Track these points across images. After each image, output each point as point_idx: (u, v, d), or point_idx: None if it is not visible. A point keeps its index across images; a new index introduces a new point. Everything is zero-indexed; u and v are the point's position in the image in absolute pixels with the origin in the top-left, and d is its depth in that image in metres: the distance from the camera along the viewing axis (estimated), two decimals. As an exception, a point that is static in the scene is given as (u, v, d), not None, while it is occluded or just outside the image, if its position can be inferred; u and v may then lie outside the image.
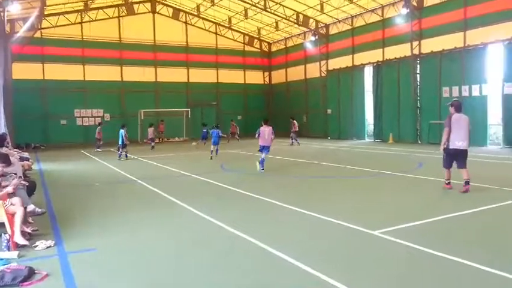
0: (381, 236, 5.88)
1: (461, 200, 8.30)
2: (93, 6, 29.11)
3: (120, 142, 17.93)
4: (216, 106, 35.57)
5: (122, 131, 17.94)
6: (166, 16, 33.14)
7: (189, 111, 32.71)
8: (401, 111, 24.78)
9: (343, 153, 19.33)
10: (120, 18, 31.38)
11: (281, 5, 28.25)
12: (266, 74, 38.37)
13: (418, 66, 23.86)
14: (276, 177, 12.35)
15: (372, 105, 27.07)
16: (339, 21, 29.09)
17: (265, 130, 13.53)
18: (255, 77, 37.93)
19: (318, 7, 27.61)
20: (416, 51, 23.62)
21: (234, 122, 30.20)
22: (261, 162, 13.29)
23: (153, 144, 23.93)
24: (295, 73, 34.83)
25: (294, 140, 24.69)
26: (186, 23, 34.06)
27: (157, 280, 4.66)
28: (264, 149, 13.56)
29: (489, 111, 20.37)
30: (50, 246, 5.72)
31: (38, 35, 27.84)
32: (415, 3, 23.22)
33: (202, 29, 34.70)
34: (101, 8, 30.03)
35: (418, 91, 23.85)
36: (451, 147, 9.07)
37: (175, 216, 7.68)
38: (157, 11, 32.72)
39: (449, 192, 9.17)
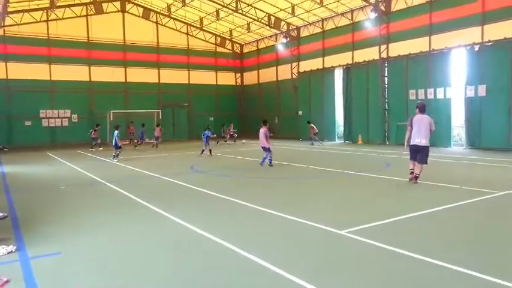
0: (348, 236, 6.00)
1: (425, 199, 8.56)
2: (59, 4, 28.28)
3: (113, 143, 17.92)
4: (188, 107, 35.31)
5: (116, 132, 17.87)
6: (137, 16, 32.66)
7: (160, 112, 32.32)
8: (370, 113, 25.36)
9: (314, 155, 19.57)
10: (88, 16, 30.71)
11: (253, 6, 28.35)
12: (238, 75, 38.41)
13: (386, 69, 24.49)
14: (245, 178, 12.39)
15: (342, 107, 27.57)
16: (310, 24, 29.51)
17: (261, 131, 14.03)
18: (227, 78, 37.92)
19: (289, 10, 27.87)
20: (384, 55, 24.23)
21: (232, 124, 29.72)
22: (266, 160, 14.04)
23: (156, 142, 24.78)
24: (267, 75, 35.06)
25: (314, 141, 25.22)
26: (156, 23, 33.67)
27: (122, 283, 4.59)
28: (263, 149, 14.11)
29: (453, 113, 21.15)
30: (11, 252, 5.52)
31: (0, 32, 26.88)
32: (383, 8, 23.84)
33: (174, 29, 34.40)
34: (68, 6, 29.27)
35: (386, 93, 24.48)
36: (411, 143, 10.31)
37: (141, 218, 7.57)
38: (127, 10, 32.20)
39: (414, 191, 9.47)
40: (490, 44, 19.20)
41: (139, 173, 13.82)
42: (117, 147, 17.78)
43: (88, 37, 30.80)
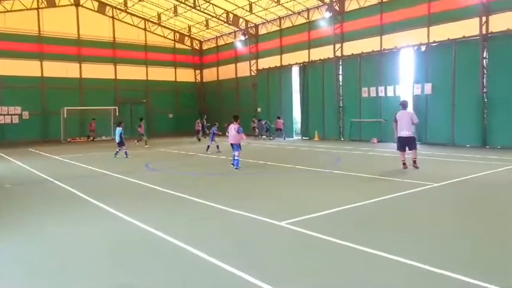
0: (286, 226, 6.28)
1: (368, 192, 8.99)
2: (7, -5, 27.13)
3: (117, 140, 17.44)
4: (146, 104, 34.79)
5: (119, 129, 17.43)
6: (91, 10, 31.77)
7: (117, 109, 31.67)
8: (326, 110, 26.04)
9: (270, 151, 19.91)
10: (40, 9, 29.55)
11: (211, 3, 28.31)
12: (197, 72, 38.24)
13: (341, 67, 25.21)
14: (197, 175, 12.50)
15: (299, 104, 28.14)
16: (268, 22, 29.85)
17: (231, 127, 13.39)
18: (186, 75, 37.66)
19: (247, 7, 28.08)
20: (338, 53, 24.93)
21: (280, 119, 28.04)
22: (233, 162, 13.13)
23: (198, 136, 26.66)
24: (226, 72, 35.14)
25: (283, 135, 26.86)
26: (113, 17, 32.90)
27: (62, 283, 4.59)
28: (232, 146, 13.34)
29: (402, 111, 22.07)
30: None
31: None
32: (337, 8, 24.52)
33: (131, 24, 33.74)
34: (17, -3, 28.07)
35: (341, 91, 25.22)
36: (398, 135, 12.10)
37: (87, 215, 7.52)
38: (81, 4, 31.25)
39: (358, 183, 9.95)
40: (435, 44, 20.22)
41: (92, 170, 13.59)
42: (120, 143, 17.29)
43: (39, 31, 29.65)
